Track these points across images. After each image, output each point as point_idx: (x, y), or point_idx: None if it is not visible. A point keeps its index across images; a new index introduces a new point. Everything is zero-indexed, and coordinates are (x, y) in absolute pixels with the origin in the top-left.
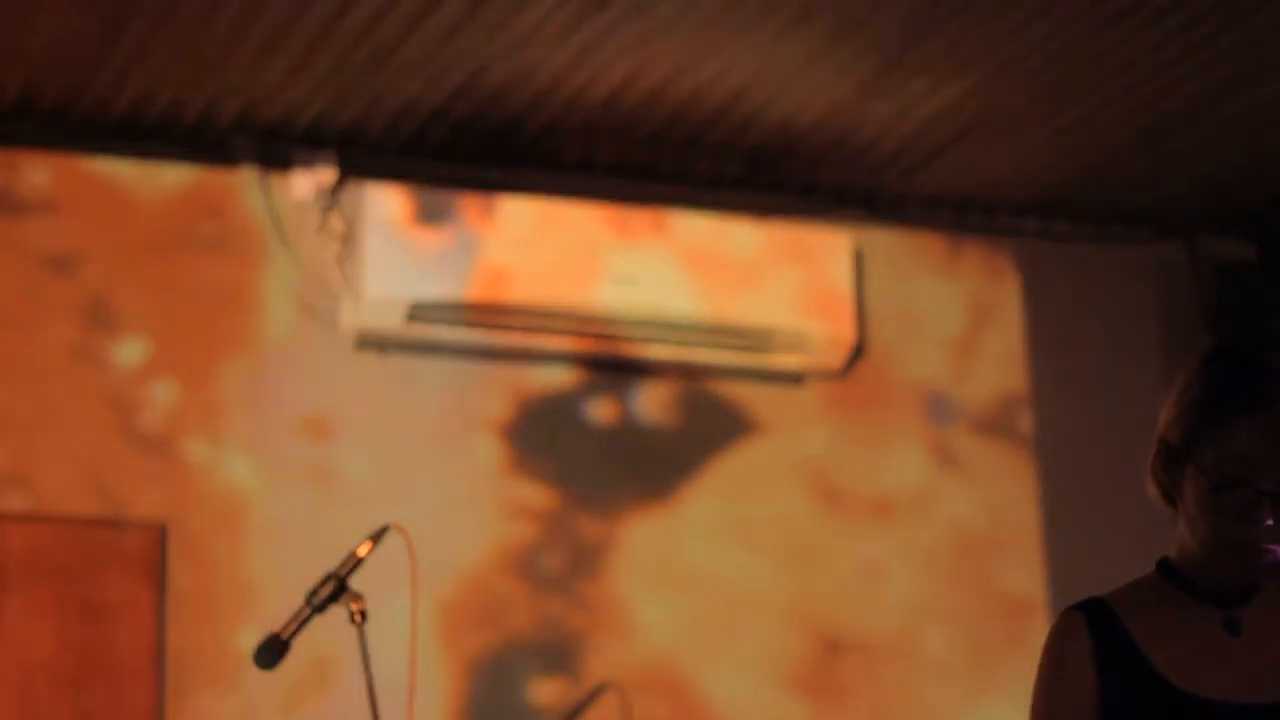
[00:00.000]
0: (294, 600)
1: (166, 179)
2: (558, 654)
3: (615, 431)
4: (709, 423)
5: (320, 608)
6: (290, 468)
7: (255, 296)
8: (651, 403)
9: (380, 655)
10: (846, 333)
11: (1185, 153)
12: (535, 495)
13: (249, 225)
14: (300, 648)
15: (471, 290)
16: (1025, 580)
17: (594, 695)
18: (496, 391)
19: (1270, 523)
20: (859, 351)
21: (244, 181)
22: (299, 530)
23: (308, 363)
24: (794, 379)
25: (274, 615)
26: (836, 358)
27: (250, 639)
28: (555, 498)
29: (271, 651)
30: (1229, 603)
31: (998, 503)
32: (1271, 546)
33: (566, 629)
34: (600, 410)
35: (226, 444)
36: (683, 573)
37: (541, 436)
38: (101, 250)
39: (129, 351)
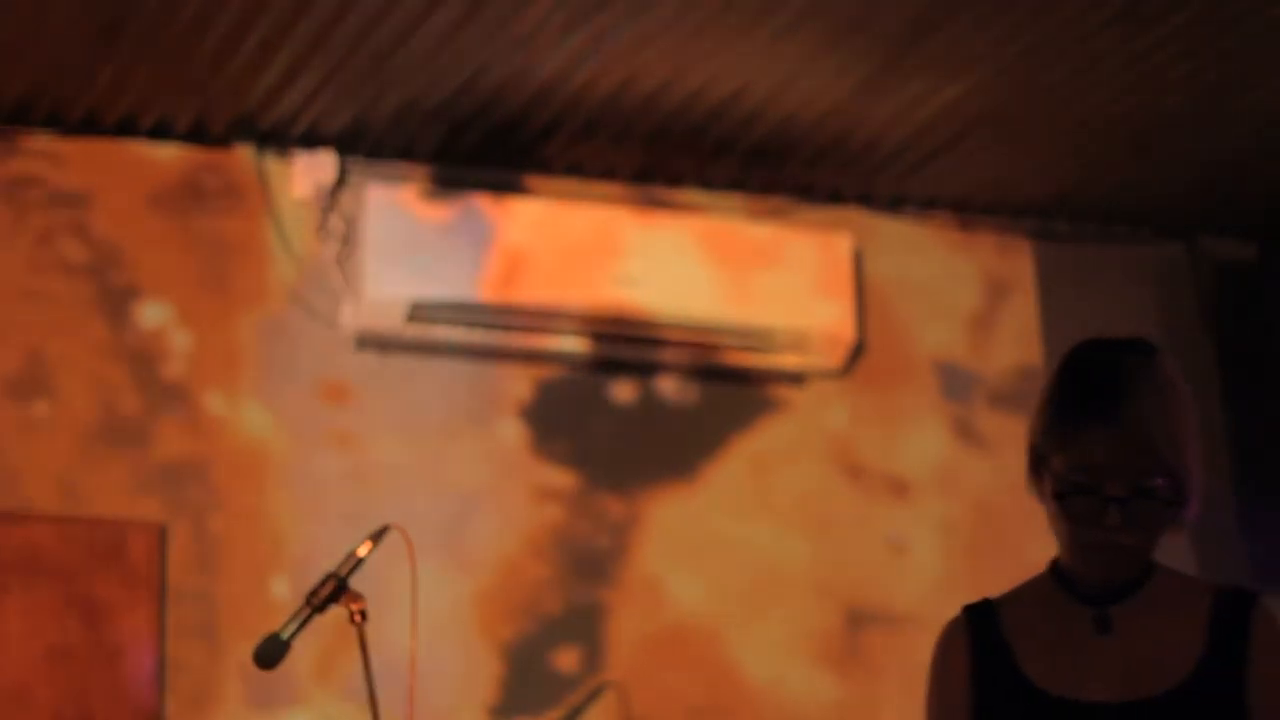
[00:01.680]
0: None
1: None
2: (588, 631)
3: (626, 422)
4: (724, 412)
5: (320, 608)
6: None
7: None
8: (649, 399)
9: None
10: (846, 332)
11: (1185, 153)
12: (559, 479)
13: (250, 226)
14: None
15: (472, 290)
16: (1046, 551)
17: (594, 695)
18: (494, 391)
19: (1119, 525)
20: (859, 350)
21: (244, 178)
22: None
23: (309, 361)
24: (794, 379)
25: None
26: (836, 356)
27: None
28: (578, 482)
29: (271, 652)
30: (1105, 600)
31: (1017, 476)
32: (1126, 549)
33: (596, 606)
34: (608, 401)
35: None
36: (709, 548)
37: (542, 437)
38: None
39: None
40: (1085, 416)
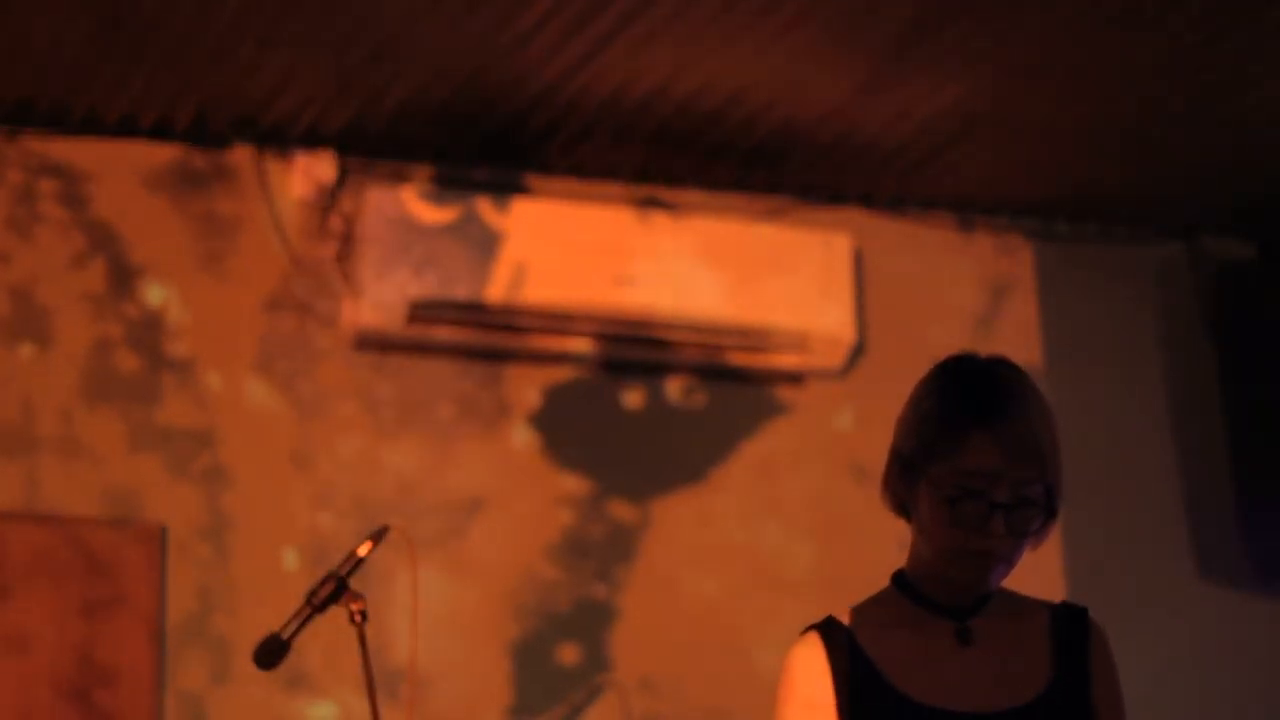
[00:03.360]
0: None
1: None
2: (600, 634)
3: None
4: (732, 416)
5: (320, 608)
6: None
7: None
8: (648, 399)
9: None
10: (846, 332)
11: (1185, 153)
12: (565, 482)
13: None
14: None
15: (472, 290)
16: (1051, 548)
17: (594, 694)
18: (495, 392)
19: (1003, 533)
20: (861, 350)
21: (244, 177)
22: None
23: (310, 356)
24: (799, 380)
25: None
26: (838, 357)
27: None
28: (584, 484)
29: (271, 652)
30: (961, 613)
31: None
32: (1003, 557)
33: (607, 609)
34: (612, 402)
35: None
36: (720, 551)
37: (546, 439)
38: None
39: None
40: (971, 423)
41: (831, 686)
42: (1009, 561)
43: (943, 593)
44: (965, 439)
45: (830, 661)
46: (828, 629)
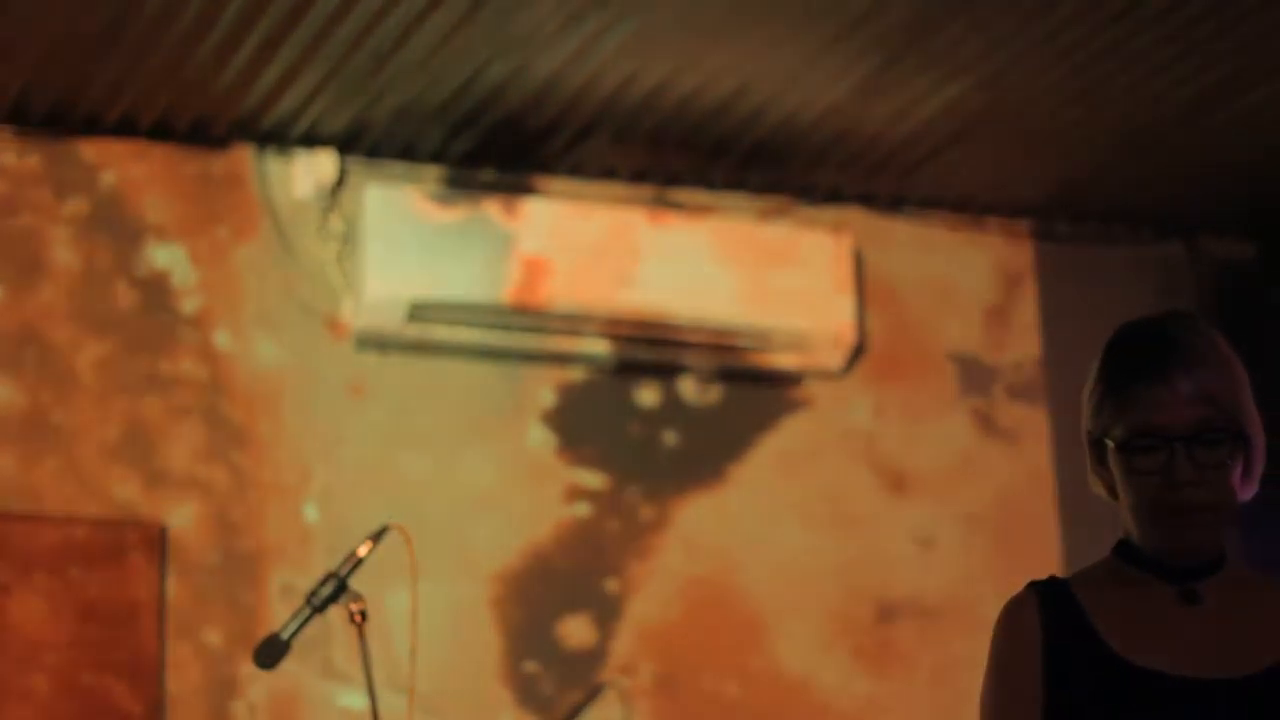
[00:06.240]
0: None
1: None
2: (618, 632)
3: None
4: (746, 413)
5: (320, 608)
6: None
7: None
8: (651, 400)
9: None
10: (846, 333)
11: (1185, 153)
12: (576, 480)
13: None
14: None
15: (472, 290)
16: (1069, 540)
17: (595, 694)
18: (496, 392)
19: (1190, 475)
20: (868, 348)
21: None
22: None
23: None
24: (811, 378)
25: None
26: (846, 355)
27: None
28: (593, 483)
29: (271, 652)
30: (1187, 577)
31: (1037, 466)
32: (1203, 505)
33: (622, 606)
34: (625, 401)
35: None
36: (738, 548)
37: (552, 439)
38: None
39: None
40: (1135, 382)
41: (1039, 641)
42: (1214, 509)
43: (1165, 557)
44: (1131, 399)
45: (1042, 616)
46: (1046, 586)
